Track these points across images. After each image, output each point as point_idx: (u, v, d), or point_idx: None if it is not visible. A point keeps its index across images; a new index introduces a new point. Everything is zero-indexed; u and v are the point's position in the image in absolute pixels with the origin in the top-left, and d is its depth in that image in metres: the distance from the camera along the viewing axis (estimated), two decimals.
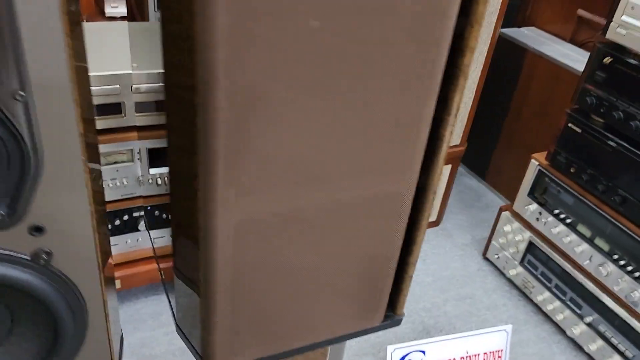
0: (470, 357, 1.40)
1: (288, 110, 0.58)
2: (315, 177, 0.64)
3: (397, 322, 0.90)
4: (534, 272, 1.72)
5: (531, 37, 2.06)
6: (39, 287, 0.58)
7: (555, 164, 1.58)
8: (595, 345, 1.56)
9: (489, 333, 1.41)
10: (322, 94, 0.58)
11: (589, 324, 1.57)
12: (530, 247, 1.72)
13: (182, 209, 0.69)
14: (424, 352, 1.35)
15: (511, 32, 2.08)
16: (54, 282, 0.59)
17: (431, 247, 1.97)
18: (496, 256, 1.85)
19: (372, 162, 0.66)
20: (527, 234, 1.71)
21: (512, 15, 2.18)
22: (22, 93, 0.48)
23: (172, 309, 0.86)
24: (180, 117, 0.59)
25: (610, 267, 1.48)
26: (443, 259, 1.93)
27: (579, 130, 1.48)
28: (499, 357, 1.43)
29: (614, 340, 1.51)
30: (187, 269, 0.73)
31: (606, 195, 1.45)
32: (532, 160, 1.65)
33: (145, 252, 1.50)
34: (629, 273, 1.44)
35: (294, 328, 0.78)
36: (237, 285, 0.68)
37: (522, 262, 1.75)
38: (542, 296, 1.70)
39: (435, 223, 2.07)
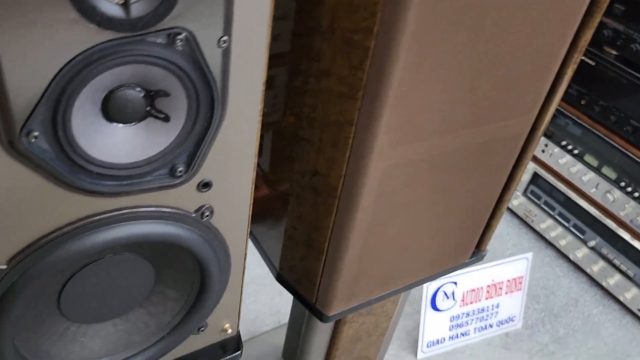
0: (495, 284, 1.47)
1: (454, 57, 0.56)
2: (459, 123, 0.63)
3: (481, 258, 0.93)
4: (537, 201, 1.80)
5: None
6: (199, 246, 0.56)
7: (564, 96, 1.62)
8: (597, 267, 1.67)
9: (512, 261, 1.48)
10: (481, 39, 0.57)
11: (592, 248, 1.67)
12: (534, 178, 1.78)
13: (308, 159, 0.67)
14: (455, 283, 1.41)
15: None
16: (209, 239, 0.57)
17: None
18: None
19: (506, 104, 0.66)
20: (532, 166, 1.77)
21: None
22: (226, 38, 0.44)
23: (267, 257, 0.84)
24: (340, 61, 0.56)
25: (617, 193, 1.57)
26: None
27: (592, 63, 1.52)
28: (520, 282, 1.51)
29: (616, 262, 1.62)
30: (302, 218, 0.72)
31: (617, 126, 1.52)
32: None
33: None
34: (636, 199, 1.53)
35: (402, 268, 0.79)
36: (370, 232, 0.68)
37: (524, 193, 1.83)
38: (545, 224, 1.79)
39: None
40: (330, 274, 0.72)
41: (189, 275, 0.60)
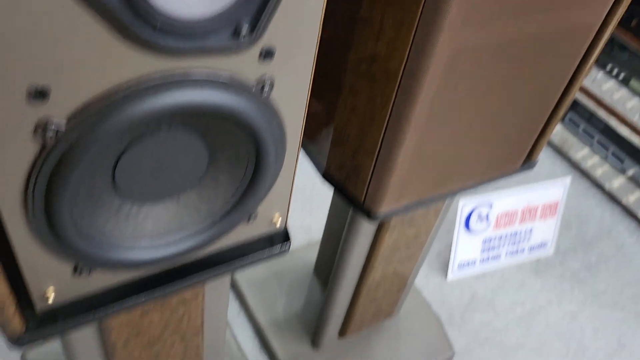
0: (530, 209, 1.45)
1: None
2: (532, 5, 0.59)
3: (532, 166, 0.90)
4: (575, 129, 1.74)
5: None
6: (257, 121, 0.53)
7: None
8: (633, 197, 1.64)
9: (549, 186, 1.45)
10: None
11: (630, 177, 1.63)
12: (573, 105, 1.73)
13: (366, 43, 0.63)
14: (490, 206, 1.39)
15: None
16: (268, 116, 0.54)
17: None
18: None
19: None
20: None
21: None
22: None
23: (311, 155, 0.82)
24: None
25: None
26: None
27: None
28: (555, 208, 1.49)
29: None
30: (355, 110, 0.69)
31: None
32: None
33: None
34: None
35: (454, 170, 0.76)
36: (428, 124, 0.65)
37: (562, 120, 1.77)
38: (581, 152, 1.74)
39: None
40: (382, 169, 0.69)
41: (243, 158, 0.58)
